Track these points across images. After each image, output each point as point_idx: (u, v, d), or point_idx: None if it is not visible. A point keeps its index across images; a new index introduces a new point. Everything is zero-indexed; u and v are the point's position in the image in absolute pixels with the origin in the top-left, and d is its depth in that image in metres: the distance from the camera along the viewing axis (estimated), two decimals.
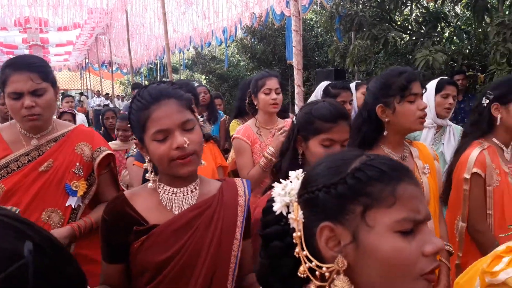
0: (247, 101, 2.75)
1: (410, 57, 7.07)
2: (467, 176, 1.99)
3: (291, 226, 0.84)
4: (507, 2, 5.75)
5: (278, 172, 1.65)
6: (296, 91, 4.53)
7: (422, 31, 6.89)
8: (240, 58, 13.85)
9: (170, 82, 1.32)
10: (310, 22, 11.29)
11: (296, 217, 0.82)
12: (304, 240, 0.80)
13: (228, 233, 1.27)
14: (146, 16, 13.80)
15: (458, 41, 7.32)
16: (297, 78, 4.45)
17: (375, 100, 1.79)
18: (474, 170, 1.97)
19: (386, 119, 1.77)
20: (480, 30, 6.40)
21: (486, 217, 2.01)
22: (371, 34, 6.48)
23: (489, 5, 6.14)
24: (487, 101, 2.07)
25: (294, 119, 1.70)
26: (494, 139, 2.07)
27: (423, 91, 1.80)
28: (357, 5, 6.88)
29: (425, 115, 1.75)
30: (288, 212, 0.85)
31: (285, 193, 0.87)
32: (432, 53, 5.78)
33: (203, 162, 1.33)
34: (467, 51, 6.87)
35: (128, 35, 11.97)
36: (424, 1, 6.68)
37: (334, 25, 7.07)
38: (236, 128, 2.73)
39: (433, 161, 1.89)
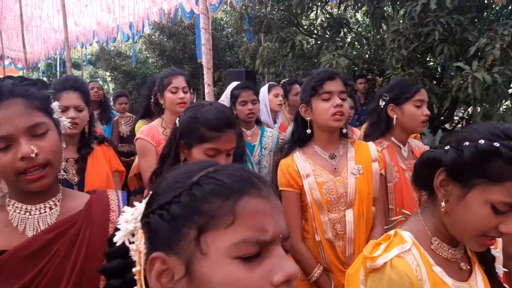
0: (152, 100, 2.60)
1: (316, 60, 7.35)
2: None
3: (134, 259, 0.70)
4: (401, 12, 6.21)
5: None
6: (206, 91, 4.44)
7: (327, 36, 7.20)
8: (148, 55, 13.36)
9: (20, 77, 1.08)
10: (221, 21, 11.27)
11: (138, 247, 0.68)
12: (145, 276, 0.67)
13: (97, 257, 1.05)
14: (44, 7, 12.71)
15: (359, 47, 7.77)
16: (207, 77, 4.37)
17: (301, 100, 1.90)
18: None
19: (308, 118, 1.85)
20: (378, 36, 6.85)
21: (388, 211, 2.10)
22: (279, 37, 6.61)
23: (386, 14, 6.61)
24: (383, 103, 2.20)
25: (177, 121, 1.57)
26: (392, 138, 2.19)
27: (344, 90, 1.84)
28: (266, 7, 6.98)
29: (339, 111, 1.79)
30: (132, 242, 0.72)
31: (133, 218, 0.72)
32: (335, 57, 6.06)
33: (63, 173, 1.16)
34: (367, 56, 7.33)
35: (22, 27, 10.85)
36: (329, 7, 6.97)
37: (244, 26, 7.10)
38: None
39: (371, 163, 1.91)
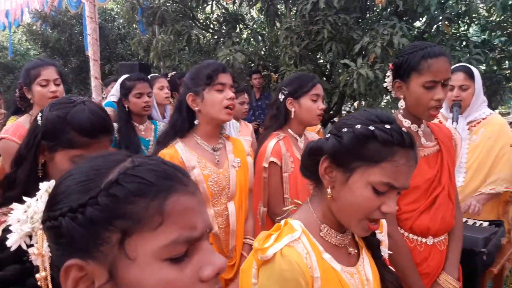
0: (17, 94, 2.31)
1: (213, 55, 7.28)
2: (266, 165, 2.16)
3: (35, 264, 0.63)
4: (294, 10, 6.40)
5: (12, 186, 1.23)
6: (93, 84, 4.13)
7: (223, 31, 7.17)
8: (29, 46, 12.12)
9: None
10: (112, 12, 10.62)
11: (40, 251, 0.62)
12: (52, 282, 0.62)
13: None
14: None
15: (254, 43, 7.89)
16: (94, 69, 4.06)
17: (187, 89, 1.84)
18: (271, 159, 2.13)
19: (197, 108, 1.82)
20: (272, 33, 7.00)
21: (283, 201, 2.17)
22: (175, 30, 6.41)
23: (279, 11, 6.77)
24: (283, 96, 2.28)
25: (39, 118, 1.29)
26: (289, 130, 2.28)
27: (233, 84, 1.87)
28: None
29: (231, 104, 1.82)
30: (31, 245, 0.64)
31: (27, 218, 0.64)
32: (232, 53, 6.05)
33: None
34: (263, 52, 7.46)
35: None
36: (224, 2, 6.94)
37: (136, 16, 6.74)
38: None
39: (246, 156, 1.98)
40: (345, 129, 1.02)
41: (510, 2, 5.63)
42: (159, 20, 6.37)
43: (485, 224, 2.51)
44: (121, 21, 10.28)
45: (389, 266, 1.20)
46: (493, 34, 7.11)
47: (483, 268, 2.26)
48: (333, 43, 5.55)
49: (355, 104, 7.46)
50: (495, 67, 7.19)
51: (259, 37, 7.76)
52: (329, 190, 1.05)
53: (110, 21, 10.27)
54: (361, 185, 0.99)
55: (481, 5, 5.86)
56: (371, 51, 4.95)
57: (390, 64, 1.76)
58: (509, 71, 7.44)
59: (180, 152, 1.80)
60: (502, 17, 6.30)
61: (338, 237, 1.09)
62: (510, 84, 7.62)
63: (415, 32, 7.25)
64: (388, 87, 1.78)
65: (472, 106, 2.71)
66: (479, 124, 2.74)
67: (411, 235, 1.75)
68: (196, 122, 1.84)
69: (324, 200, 1.08)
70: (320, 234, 1.08)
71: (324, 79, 6.44)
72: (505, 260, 2.44)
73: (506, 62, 7.34)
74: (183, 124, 1.86)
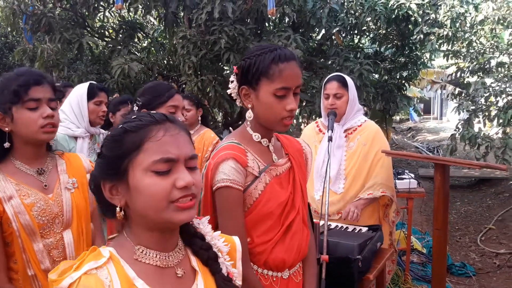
0: None
1: (110, 65, 6.89)
2: None
3: None
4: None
5: None
6: None
7: (119, 39, 6.84)
8: None
9: None
10: None
11: None
12: None
13: None
14: None
15: (155, 52, 7.64)
16: None
17: None
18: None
19: (6, 128, 1.55)
20: (171, 42, 6.82)
21: None
22: (64, 38, 5.95)
23: (179, 20, 6.60)
24: (137, 108, 2.08)
25: None
26: None
27: (53, 97, 1.59)
28: (45, 4, 6.19)
29: (50, 123, 1.57)
30: None
31: None
32: (128, 62, 5.76)
33: None
34: (165, 62, 7.22)
35: None
36: (115, 9, 6.60)
37: (18, 23, 6.13)
38: None
39: (86, 175, 1.72)
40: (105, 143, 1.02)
41: (393, 16, 6.04)
42: (45, 27, 5.87)
43: (364, 229, 2.54)
44: (9, 29, 9.42)
45: (232, 280, 1.10)
46: (383, 46, 7.61)
47: (359, 275, 2.26)
48: (231, 54, 5.52)
49: None
50: (386, 77, 7.69)
51: (160, 46, 7.52)
52: (118, 209, 0.98)
53: None
54: (140, 178, 0.94)
55: (368, 19, 6.21)
56: None
57: (235, 68, 1.52)
58: (399, 80, 8.01)
59: None
60: (388, 29, 6.75)
61: (159, 257, 0.99)
62: (403, 92, 8.22)
63: (315, 44, 7.52)
64: (232, 95, 1.55)
65: (347, 114, 2.76)
66: (355, 132, 2.81)
67: (265, 271, 1.56)
68: (6, 145, 1.54)
69: (132, 221, 1.00)
70: (134, 257, 0.97)
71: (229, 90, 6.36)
72: (382, 264, 2.48)
73: (398, 72, 7.90)
74: (2, 148, 1.55)
